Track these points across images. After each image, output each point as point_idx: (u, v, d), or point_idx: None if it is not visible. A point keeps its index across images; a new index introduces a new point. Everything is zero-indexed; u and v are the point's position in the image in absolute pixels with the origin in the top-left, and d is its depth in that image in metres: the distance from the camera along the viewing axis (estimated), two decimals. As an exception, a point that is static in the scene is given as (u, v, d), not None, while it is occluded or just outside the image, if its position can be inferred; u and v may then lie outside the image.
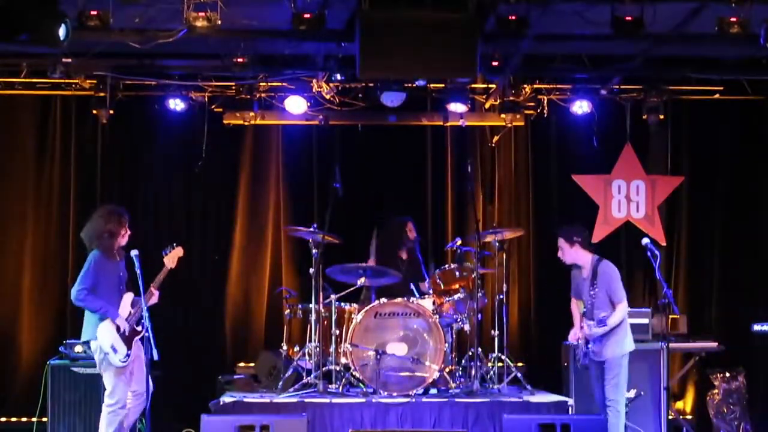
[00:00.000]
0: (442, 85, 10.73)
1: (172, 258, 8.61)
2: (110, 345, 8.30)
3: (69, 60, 9.72)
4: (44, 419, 9.67)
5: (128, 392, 8.36)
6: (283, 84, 10.65)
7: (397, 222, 10.54)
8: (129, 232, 8.55)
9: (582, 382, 9.88)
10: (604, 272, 8.75)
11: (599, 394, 8.82)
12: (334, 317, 9.72)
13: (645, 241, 8.79)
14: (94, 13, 8.49)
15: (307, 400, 9.25)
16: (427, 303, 9.83)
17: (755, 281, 11.22)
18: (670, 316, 9.34)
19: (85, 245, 8.59)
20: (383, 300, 9.73)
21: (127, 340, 8.35)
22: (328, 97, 10.72)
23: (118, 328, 8.30)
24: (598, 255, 8.88)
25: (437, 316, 9.70)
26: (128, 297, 8.45)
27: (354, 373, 9.58)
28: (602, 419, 8.51)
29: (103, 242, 8.40)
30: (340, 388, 9.53)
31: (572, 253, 8.86)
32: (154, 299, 8.47)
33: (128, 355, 8.32)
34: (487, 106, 11.14)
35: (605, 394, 8.73)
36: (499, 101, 10.90)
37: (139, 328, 8.39)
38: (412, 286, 10.20)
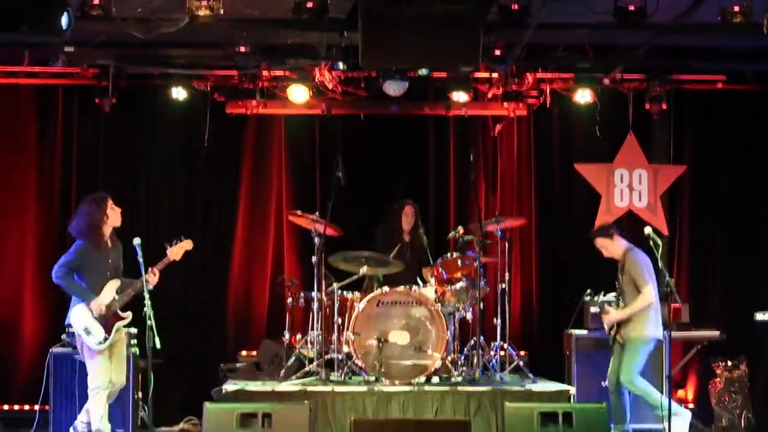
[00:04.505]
0: (445, 75, 10.69)
1: (176, 250, 8.62)
2: (83, 328, 8.43)
3: (71, 49, 9.69)
4: (46, 407, 9.67)
5: (109, 375, 8.45)
6: (286, 73, 10.63)
7: (396, 207, 10.57)
8: (116, 210, 8.60)
9: (584, 371, 9.91)
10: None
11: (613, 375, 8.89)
12: (336, 306, 9.72)
13: (647, 230, 8.80)
14: (96, 2, 8.48)
15: (309, 388, 9.27)
16: (430, 291, 9.84)
17: (758, 270, 11.21)
18: (673, 305, 9.36)
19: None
20: (385, 288, 9.74)
21: (106, 325, 8.42)
22: (330, 86, 10.68)
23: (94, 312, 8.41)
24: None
25: (439, 305, 9.71)
26: (113, 283, 8.49)
27: (356, 362, 9.58)
28: (604, 407, 8.50)
29: (90, 237, 8.53)
30: (343, 376, 9.54)
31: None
32: (152, 283, 8.44)
33: (106, 338, 8.40)
34: (489, 95, 11.11)
35: (618, 376, 8.77)
36: (501, 91, 10.88)
37: (123, 315, 8.46)
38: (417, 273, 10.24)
